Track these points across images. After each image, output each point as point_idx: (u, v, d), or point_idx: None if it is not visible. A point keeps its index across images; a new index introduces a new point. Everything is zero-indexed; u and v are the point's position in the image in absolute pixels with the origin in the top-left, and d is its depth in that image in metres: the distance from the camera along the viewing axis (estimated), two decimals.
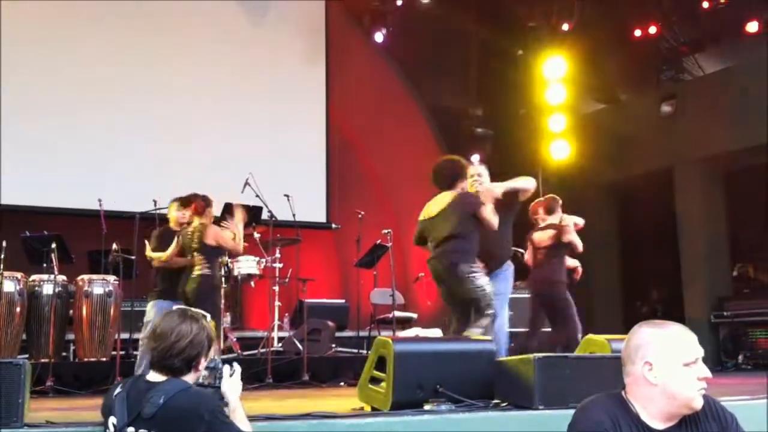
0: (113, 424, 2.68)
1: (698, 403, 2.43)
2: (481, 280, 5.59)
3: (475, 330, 5.49)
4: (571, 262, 7.36)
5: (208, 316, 2.89)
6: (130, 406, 2.64)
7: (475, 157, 12.10)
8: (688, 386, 2.43)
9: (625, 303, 12.14)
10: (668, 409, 2.46)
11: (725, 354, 10.18)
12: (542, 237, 7.27)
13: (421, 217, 5.95)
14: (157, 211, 8.19)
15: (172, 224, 6.98)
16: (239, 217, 6.91)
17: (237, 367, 2.91)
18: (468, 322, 5.55)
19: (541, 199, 7.55)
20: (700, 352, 2.45)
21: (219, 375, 2.86)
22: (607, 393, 2.58)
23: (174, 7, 10.50)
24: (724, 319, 10.27)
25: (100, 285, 7.33)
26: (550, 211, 7.44)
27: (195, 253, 6.55)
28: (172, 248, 6.67)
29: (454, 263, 5.58)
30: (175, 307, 2.91)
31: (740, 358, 9.87)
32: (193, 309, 2.89)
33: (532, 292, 7.46)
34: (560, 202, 7.42)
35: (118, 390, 2.74)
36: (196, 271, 6.49)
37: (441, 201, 5.84)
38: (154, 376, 2.73)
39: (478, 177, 6.10)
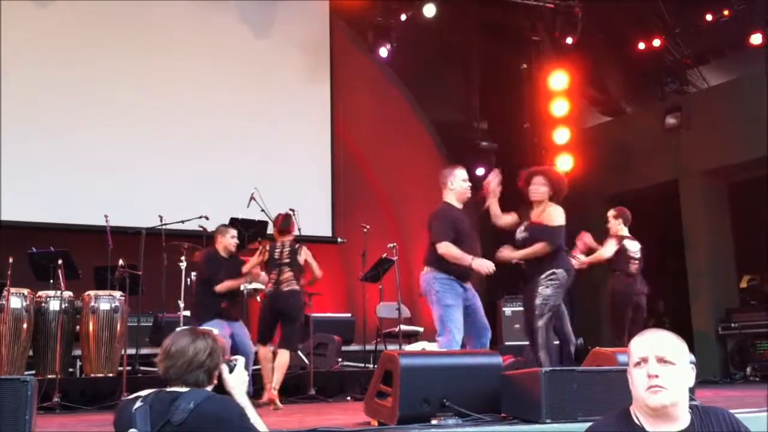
0: None
1: (652, 402, 2.45)
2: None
3: None
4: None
5: (215, 330, 2.94)
6: (154, 417, 2.67)
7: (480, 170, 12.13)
8: (639, 386, 2.49)
9: None
10: (646, 411, 2.50)
11: (733, 366, 10.14)
12: (635, 249, 7.65)
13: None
14: (163, 227, 8.23)
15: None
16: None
17: (239, 359, 2.98)
18: None
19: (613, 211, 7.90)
20: (652, 351, 2.47)
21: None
22: (617, 410, 2.63)
23: (178, 25, 10.56)
24: (731, 330, 10.23)
25: (106, 301, 7.34)
26: (627, 222, 7.76)
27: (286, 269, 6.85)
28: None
29: None
30: (178, 329, 2.94)
31: (748, 369, 9.83)
32: (199, 328, 2.95)
33: (630, 301, 7.59)
34: None
35: (138, 404, 2.73)
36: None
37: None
38: (175, 388, 2.78)
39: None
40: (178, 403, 2.66)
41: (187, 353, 2.77)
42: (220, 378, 2.91)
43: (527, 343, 7.32)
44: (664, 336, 2.53)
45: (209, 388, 2.83)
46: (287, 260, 6.81)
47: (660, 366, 2.45)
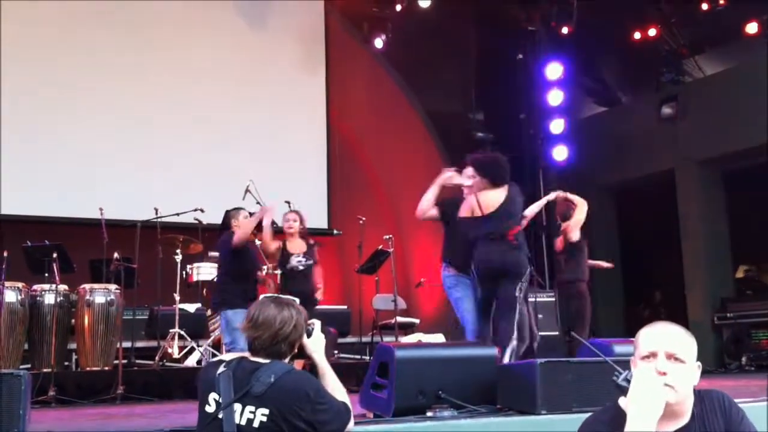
0: (215, 400, 2.77)
1: None
2: None
3: None
4: None
5: (297, 300, 3.02)
6: (236, 385, 2.76)
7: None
8: None
9: (628, 306, 12.13)
10: None
11: (728, 355, 10.18)
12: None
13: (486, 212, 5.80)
14: (158, 220, 8.21)
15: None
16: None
17: (316, 323, 3.07)
18: None
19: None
20: (662, 346, 2.37)
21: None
22: (608, 405, 2.55)
23: (174, 16, 10.52)
24: (727, 320, 10.26)
25: (101, 294, 7.31)
26: None
27: None
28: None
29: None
30: (263, 297, 3.01)
31: (743, 359, 9.86)
32: (282, 296, 3.03)
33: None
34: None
35: (222, 369, 2.81)
36: None
37: (499, 196, 5.79)
38: (257, 358, 2.86)
39: (470, 178, 6.04)
40: (258, 374, 2.76)
41: (273, 325, 2.85)
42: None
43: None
44: (676, 331, 2.43)
45: (288, 358, 2.93)
46: None
47: (669, 363, 2.35)
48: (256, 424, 2.70)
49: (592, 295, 7.71)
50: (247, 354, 2.92)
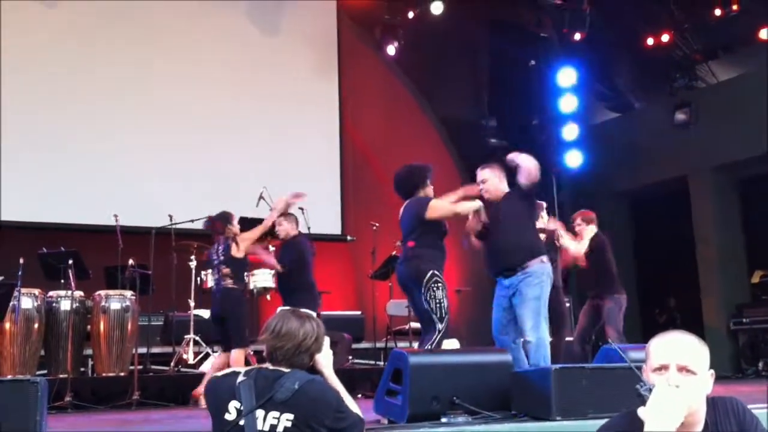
0: (236, 408, 2.80)
1: None
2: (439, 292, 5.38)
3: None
4: None
5: (314, 313, 3.08)
6: (258, 392, 2.80)
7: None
8: None
9: (643, 311, 12.07)
10: None
11: (745, 361, 10.12)
12: None
13: None
14: (173, 226, 8.25)
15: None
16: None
17: (325, 339, 3.12)
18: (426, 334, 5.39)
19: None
20: (673, 358, 2.35)
21: None
22: (625, 412, 2.55)
23: (185, 21, 10.58)
24: (743, 326, 10.20)
25: (117, 300, 7.36)
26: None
27: (223, 267, 6.78)
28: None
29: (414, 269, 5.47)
30: (280, 309, 3.07)
31: (760, 365, 9.80)
32: (300, 310, 3.11)
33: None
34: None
35: (241, 378, 2.85)
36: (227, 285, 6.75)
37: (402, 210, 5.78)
38: (278, 368, 2.92)
39: (482, 183, 6.00)
40: (282, 381, 2.81)
41: (296, 337, 2.91)
42: None
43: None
44: (688, 342, 2.41)
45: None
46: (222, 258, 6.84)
47: (681, 376, 2.34)
48: (279, 429, 2.74)
49: None
50: (266, 364, 2.96)
